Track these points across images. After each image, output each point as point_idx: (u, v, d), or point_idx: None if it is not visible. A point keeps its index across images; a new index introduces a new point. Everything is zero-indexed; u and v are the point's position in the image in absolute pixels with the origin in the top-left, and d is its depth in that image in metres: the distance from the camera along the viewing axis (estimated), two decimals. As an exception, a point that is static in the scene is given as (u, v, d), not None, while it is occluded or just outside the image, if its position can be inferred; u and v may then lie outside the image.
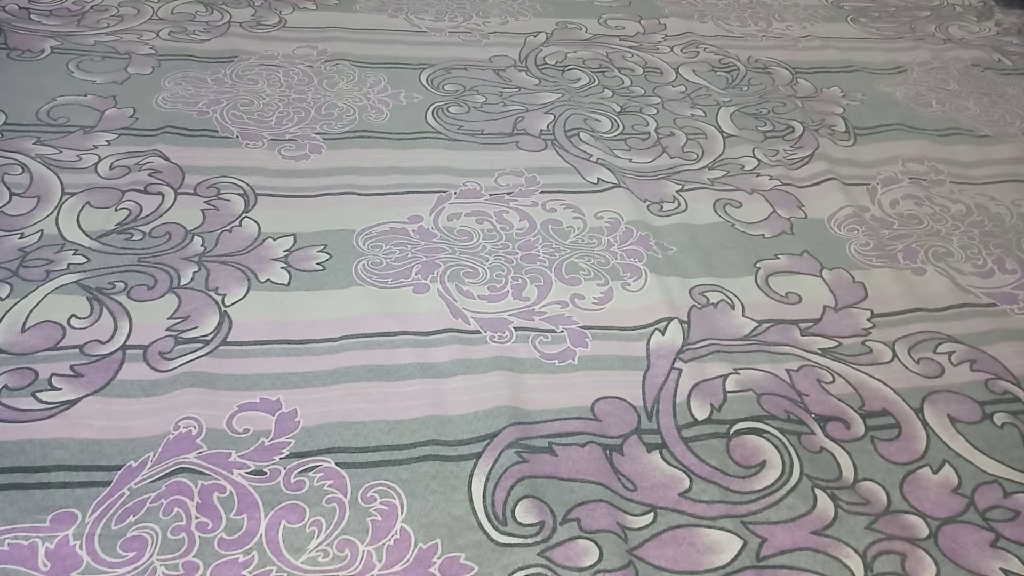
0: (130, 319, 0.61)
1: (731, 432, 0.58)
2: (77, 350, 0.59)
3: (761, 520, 0.53)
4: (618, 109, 0.94)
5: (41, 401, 0.55)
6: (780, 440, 0.58)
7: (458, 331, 0.64)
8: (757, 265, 0.74)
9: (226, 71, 0.93)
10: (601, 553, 0.50)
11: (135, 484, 0.51)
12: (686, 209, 0.80)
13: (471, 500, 0.52)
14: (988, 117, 1.01)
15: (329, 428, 0.55)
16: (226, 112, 0.86)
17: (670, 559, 0.50)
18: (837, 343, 0.66)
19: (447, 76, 0.97)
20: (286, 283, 0.66)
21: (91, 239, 0.68)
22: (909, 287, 0.73)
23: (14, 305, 0.61)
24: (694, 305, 0.69)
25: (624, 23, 1.14)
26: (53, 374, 0.57)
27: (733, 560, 0.50)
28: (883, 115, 0.99)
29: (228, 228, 0.71)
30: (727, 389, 0.61)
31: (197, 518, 0.49)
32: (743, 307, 0.69)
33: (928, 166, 0.90)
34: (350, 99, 0.91)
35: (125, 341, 0.60)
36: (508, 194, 0.79)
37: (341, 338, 0.62)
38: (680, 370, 0.62)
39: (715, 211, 0.80)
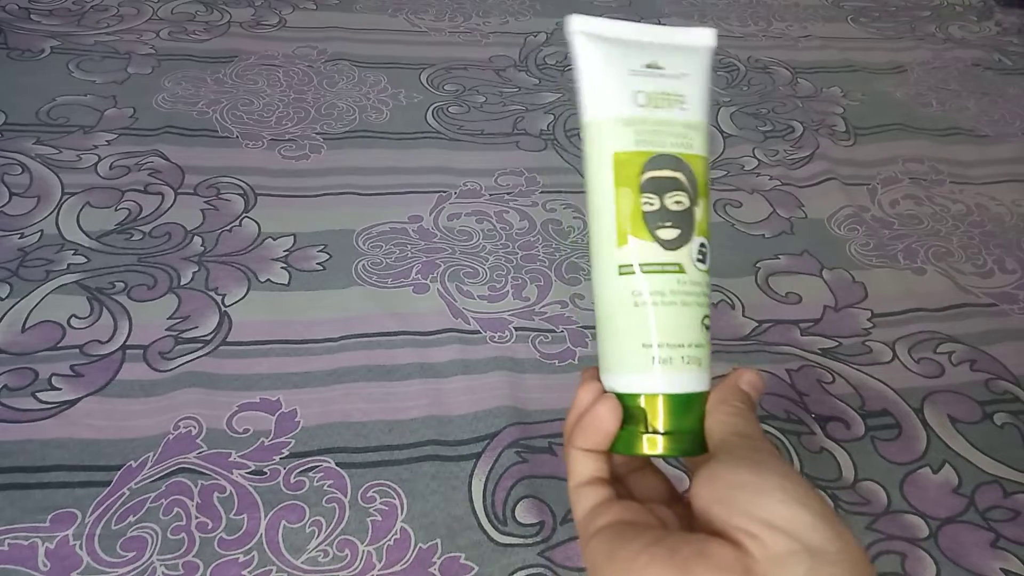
0: (130, 319, 0.61)
1: (731, 432, 0.58)
2: (77, 350, 0.59)
3: (761, 520, 0.53)
4: (618, 109, 0.94)
5: (41, 401, 0.55)
6: (780, 440, 0.58)
7: (458, 331, 0.64)
8: (757, 265, 0.74)
9: (226, 71, 0.93)
10: (601, 553, 0.50)
11: (135, 484, 0.51)
12: (686, 209, 0.80)
13: (471, 500, 0.52)
14: (988, 117, 1.01)
15: (329, 428, 0.55)
16: (226, 112, 0.86)
17: (670, 559, 0.50)
18: (837, 343, 0.66)
19: (447, 76, 0.97)
20: (286, 283, 0.66)
21: (91, 239, 0.68)
22: (909, 287, 0.73)
23: (14, 305, 0.61)
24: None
25: (624, 23, 1.14)
26: (53, 374, 0.57)
27: (733, 560, 0.50)
28: (883, 115, 0.99)
29: (228, 228, 0.71)
30: (727, 389, 0.61)
31: (197, 518, 0.49)
32: (743, 307, 0.69)
33: (928, 166, 0.90)
34: (350, 99, 0.91)
35: (125, 341, 0.60)
36: (508, 194, 0.79)
37: (341, 338, 0.62)
38: (680, 370, 0.62)
39: (715, 211, 0.80)
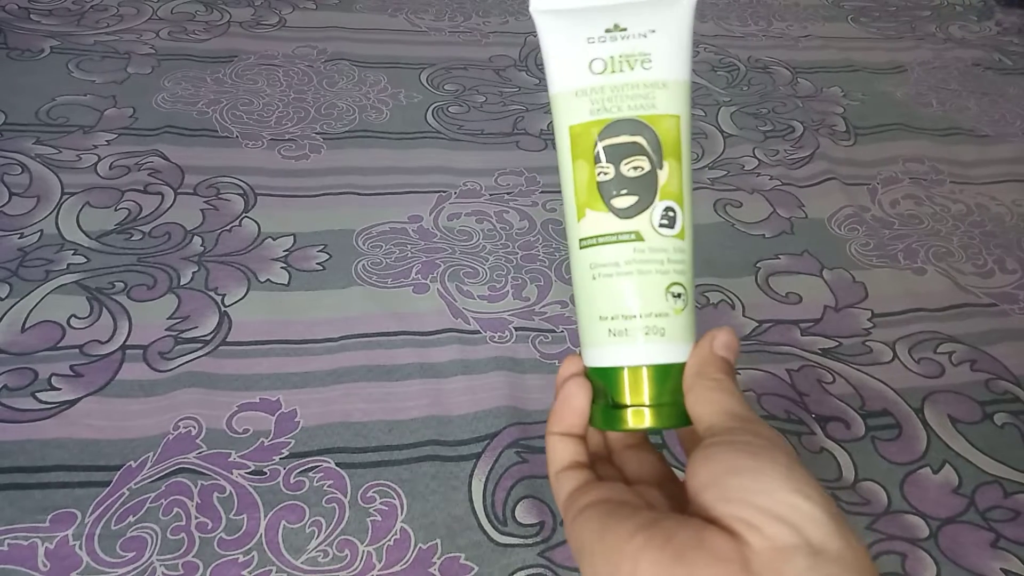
0: (130, 319, 0.61)
1: (731, 432, 0.58)
2: (77, 350, 0.59)
3: (761, 520, 0.53)
4: (618, 109, 0.94)
5: (41, 401, 0.55)
6: (780, 440, 0.58)
7: (458, 331, 0.64)
8: (757, 265, 0.74)
9: (226, 71, 0.93)
10: (601, 553, 0.50)
11: (135, 484, 0.51)
12: (686, 209, 0.80)
13: (471, 500, 0.52)
14: (988, 117, 1.01)
15: (329, 428, 0.55)
16: (226, 112, 0.86)
17: (670, 559, 0.50)
18: (837, 343, 0.66)
19: (447, 76, 0.97)
20: (286, 283, 0.66)
21: (91, 239, 0.68)
22: (909, 287, 0.73)
23: (14, 305, 0.61)
24: (694, 305, 0.68)
25: (624, 23, 1.14)
26: (53, 374, 0.57)
27: (733, 560, 0.50)
28: (883, 115, 0.99)
29: (228, 228, 0.71)
30: (727, 389, 0.61)
31: (197, 518, 0.49)
32: (743, 307, 0.69)
33: (928, 166, 0.90)
34: (350, 99, 0.91)
35: (125, 341, 0.60)
36: (508, 194, 0.79)
37: (341, 338, 0.62)
38: (680, 370, 0.62)
39: (715, 211, 0.80)
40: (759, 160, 0.88)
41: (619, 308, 0.29)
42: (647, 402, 0.28)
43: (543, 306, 0.67)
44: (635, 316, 0.28)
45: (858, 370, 0.64)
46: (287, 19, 1.05)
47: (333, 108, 0.89)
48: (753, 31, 1.16)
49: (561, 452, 0.30)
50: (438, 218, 0.75)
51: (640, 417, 0.28)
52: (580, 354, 0.31)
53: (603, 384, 0.29)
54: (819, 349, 0.66)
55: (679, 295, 0.29)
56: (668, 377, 0.29)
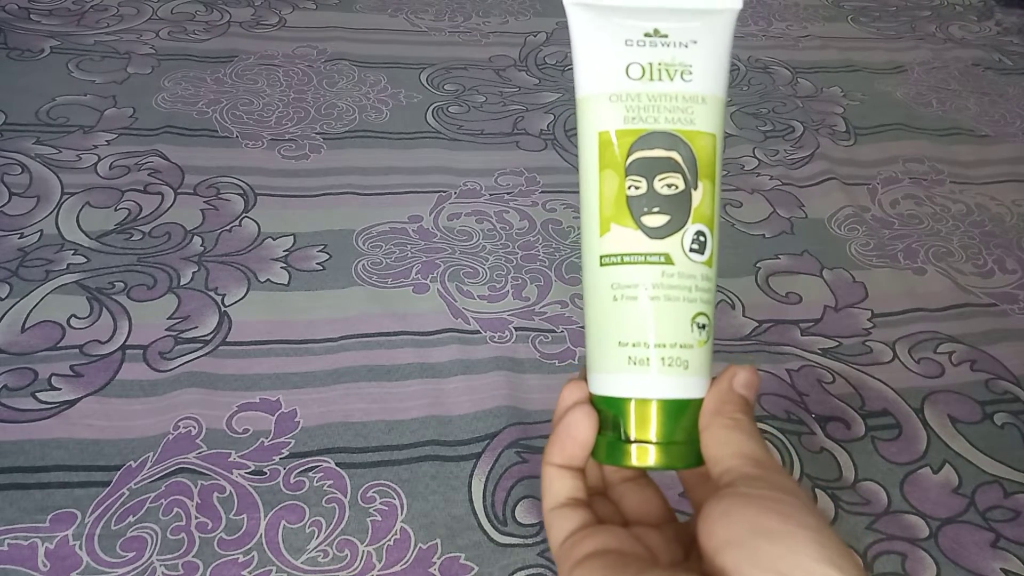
0: (130, 319, 0.61)
1: (731, 432, 0.58)
2: (77, 350, 0.59)
3: (761, 520, 0.53)
4: (618, 109, 0.94)
5: (40, 401, 0.55)
6: (780, 440, 0.58)
7: (458, 331, 0.64)
8: (757, 265, 0.74)
9: (226, 71, 0.93)
10: (601, 553, 0.50)
11: (135, 484, 0.51)
12: (686, 209, 0.80)
13: (471, 500, 0.52)
14: (988, 117, 1.01)
15: (329, 428, 0.55)
16: (226, 112, 0.86)
17: (670, 559, 0.50)
18: (837, 343, 0.66)
19: (447, 76, 0.97)
20: (286, 283, 0.66)
21: (91, 239, 0.68)
22: (909, 287, 0.73)
23: (14, 305, 0.61)
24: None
25: (624, 23, 1.14)
26: (53, 374, 0.57)
27: (733, 560, 0.50)
28: (883, 115, 0.99)
29: (228, 228, 0.71)
30: (727, 389, 0.61)
31: (197, 518, 0.49)
32: (743, 307, 0.69)
33: (928, 166, 0.90)
34: (350, 99, 0.91)
35: (125, 341, 0.60)
36: (508, 194, 0.79)
37: (341, 338, 0.62)
38: (680, 370, 0.62)
39: (715, 211, 0.80)
40: (759, 160, 0.88)
41: (642, 334, 0.27)
42: (659, 439, 0.27)
43: (543, 306, 0.67)
44: (658, 345, 0.27)
45: (858, 370, 0.64)
46: (287, 19, 1.05)
47: (333, 108, 0.89)
48: (753, 31, 1.16)
49: (559, 486, 0.28)
50: (438, 218, 0.75)
51: (650, 455, 0.27)
52: (583, 378, 0.29)
53: (613, 415, 0.27)
54: (819, 349, 0.66)
55: (703, 326, 0.27)
56: (685, 413, 0.27)
